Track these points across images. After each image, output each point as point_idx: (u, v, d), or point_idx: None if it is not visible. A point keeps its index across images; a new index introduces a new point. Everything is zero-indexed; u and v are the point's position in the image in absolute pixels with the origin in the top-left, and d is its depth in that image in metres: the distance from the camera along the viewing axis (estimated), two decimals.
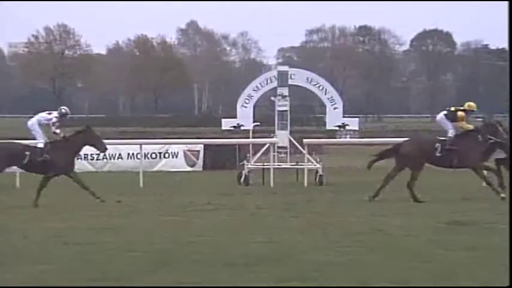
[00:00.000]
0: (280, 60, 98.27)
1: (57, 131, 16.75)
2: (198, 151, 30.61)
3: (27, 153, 16.34)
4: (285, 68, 25.16)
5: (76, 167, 29.58)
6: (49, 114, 16.99)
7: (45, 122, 16.84)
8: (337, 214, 13.21)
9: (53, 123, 16.76)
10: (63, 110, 17.13)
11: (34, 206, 15.51)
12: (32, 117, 17.29)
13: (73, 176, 16.63)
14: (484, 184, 16.62)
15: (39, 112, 17.58)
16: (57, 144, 16.63)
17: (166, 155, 30.30)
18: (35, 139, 16.85)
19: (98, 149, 17.35)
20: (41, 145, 16.48)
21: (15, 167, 17.61)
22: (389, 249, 9.47)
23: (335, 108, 23.71)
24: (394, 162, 16.72)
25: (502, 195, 15.71)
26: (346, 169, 25.55)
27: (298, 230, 11.30)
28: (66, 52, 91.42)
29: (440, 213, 13.07)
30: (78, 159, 29.59)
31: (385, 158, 17.03)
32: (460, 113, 17.02)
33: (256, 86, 23.89)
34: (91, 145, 17.14)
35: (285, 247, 9.71)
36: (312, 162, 22.05)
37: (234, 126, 23.88)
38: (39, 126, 16.81)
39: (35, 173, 16.72)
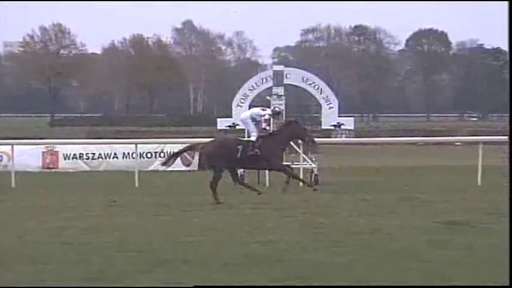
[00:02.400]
0: (275, 60, 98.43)
1: (268, 127, 16.69)
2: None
3: (239, 147, 16.31)
4: (280, 67, 25.16)
5: (72, 166, 29.92)
6: (263, 110, 16.91)
7: (258, 117, 16.75)
8: (334, 214, 13.19)
9: (265, 120, 16.71)
10: (276, 109, 17.15)
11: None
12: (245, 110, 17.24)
13: (282, 171, 16.50)
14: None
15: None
16: (267, 138, 16.53)
17: (162, 155, 30.29)
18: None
19: (306, 143, 17.14)
20: (253, 139, 16.45)
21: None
22: (388, 249, 9.46)
23: (330, 108, 23.72)
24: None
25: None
26: (341, 169, 25.57)
27: (296, 230, 11.28)
28: (62, 52, 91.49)
29: (439, 213, 13.07)
30: (74, 158, 29.94)
31: None
32: None
33: (252, 86, 23.90)
34: (298, 138, 16.93)
35: (283, 247, 9.68)
36: (307, 162, 22.06)
37: (230, 126, 23.88)
38: (252, 121, 16.72)
39: (245, 168, 16.64)
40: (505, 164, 19.67)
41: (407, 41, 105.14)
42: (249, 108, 23.69)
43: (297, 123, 17.02)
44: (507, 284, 7.64)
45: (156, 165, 29.72)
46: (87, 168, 29.61)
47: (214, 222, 12.28)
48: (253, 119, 16.80)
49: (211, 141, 17.32)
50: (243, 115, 17.18)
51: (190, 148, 17.89)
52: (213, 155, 16.35)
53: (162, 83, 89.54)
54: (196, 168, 30.29)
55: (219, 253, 9.28)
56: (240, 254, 9.15)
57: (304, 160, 21.96)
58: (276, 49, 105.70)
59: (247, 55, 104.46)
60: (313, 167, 21.98)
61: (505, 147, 20.56)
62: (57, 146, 29.94)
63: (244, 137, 17.23)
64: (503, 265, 8.16)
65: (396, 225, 11.52)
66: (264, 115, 16.75)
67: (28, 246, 10.00)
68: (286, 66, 27.72)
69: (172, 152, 18.07)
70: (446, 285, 7.74)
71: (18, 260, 9.01)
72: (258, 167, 16.36)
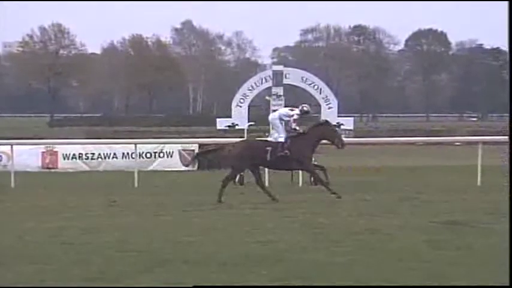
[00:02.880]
0: (275, 60, 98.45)
1: (297, 127, 16.69)
2: (193, 150, 30.62)
3: (269, 148, 16.31)
4: (279, 67, 25.20)
5: (72, 166, 29.91)
6: (291, 110, 16.86)
7: (286, 117, 16.76)
8: (334, 214, 13.19)
9: (294, 120, 16.68)
10: (305, 108, 16.99)
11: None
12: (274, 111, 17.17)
13: (310, 172, 16.44)
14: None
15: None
16: (296, 139, 16.49)
17: (161, 155, 30.30)
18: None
19: (335, 144, 16.80)
20: (281, 140, 16.45)
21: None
22: (388, 249, 9.46)
23: (330, 108, 23.74)
24: None
25: None
26: (341, 169, 25.53)
27: (296, 230, 11.28)
28: (61, 52, 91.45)
29: (439, 213, 13.07)
30: (73, 158, 29.93)
31: None
32: None
33: (251, 86, 23.91)
34: (328, 140, 16.86)
35: (283, 247, 9.68)
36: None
37: (229, 126, 23.88)
38: (280, 121, 16.73)
39: (275, 169, 16.62)
40: (505, 163, 19.68)
41: (406, 41, 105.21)
42: (248, 108, 23.76)
43: (326, 124, 16.99)
44: (507, 284, 7.64)
45: (156, 165, 29.79)
46: (87, 168, 29.59)
47: (214, 222, 12.28)
48: (281, 120, 16.79)
49: (240, 142, 17.38)
50: (271, 116, 17.14)
51: (218, 149, 17.75)
52: (241, 156, 16.38)
53: (161, 83, 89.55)
54: (195, 168, 30.30)
55: (219, 253, 9.28)
56: (240, 254, 9.15)
57: None
58: (275, 49, 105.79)
59: (247, 55, 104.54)
60: None
61: (505, 147, 20.57)
62: (56, 146, 29.92)
63: (260, 137, 17.12)
64: (503, 265, 8.16)
65: (396, 225, 11.51)
66: (292, 115, 16.73)
67: (28, 246, 10.00)
68: (285, 66, 27.75)
69: (197, 152, 18.02)
70: (446, 285, 7.74)
71: (18, 260, 9.01)
72: (288, 167, 16.32)
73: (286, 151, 16.24)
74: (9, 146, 24.82)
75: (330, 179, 17.58)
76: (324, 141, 16.85)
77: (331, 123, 17.41)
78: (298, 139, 16.47)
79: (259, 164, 16.59)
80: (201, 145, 29.94)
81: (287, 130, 16.67)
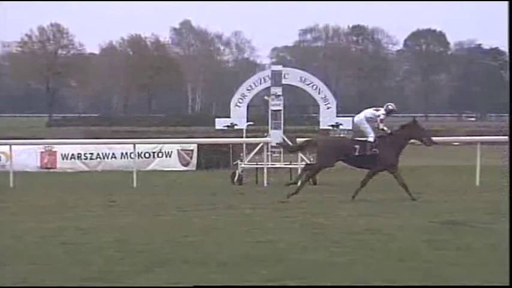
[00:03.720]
0: (273, 60, 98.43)
1: (384, 127, 16.67)
2: (192, 150, 30.65)
3: (357, 146, 16.35)
4: (278, 67, 25.16)
5: (70, 166, 29.90)
6: (376, 110, 16.85)
7: (373, 117, 16.76)
8: (334, 214, 13.20)
9: (381, 120, 16.67)
10: (390, 107, 16.95)
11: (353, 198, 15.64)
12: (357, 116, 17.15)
13: (394, 173, 16.42)
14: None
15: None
16: (385, 139, 16.49)
17: (160, 155, 30.34)
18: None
19: (424, 143, 16.76)
20: (371, 139, 16.43)
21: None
22: (388, 249, 9.45)
23: (328, 108, 23.73)
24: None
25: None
26: (339, 169, 25.51)
27: (296, 230, 11.28)
28: (60, 52, 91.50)
29: (439, 213, 13.07)
30: (72, 159, 29.93)
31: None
32: None
33: (250, 86, 23.90)
34: (417, 139, 16.79)
35: (283, 247, 9.68)
36: (306, 162, 22.03)
37: (228, 126, 23.87)
38: (367, 122, 16.72)
39: (361, 167, 16.64)
40: (505, 163, 19.68)
41: (405, 41, 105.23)
42: (247, 108, 23.74)
43: (414, 124, 16.93)
44: (507, 284, 7.64)
45: (155, 165, 29.80)
46: (86, 168, 29.62)
47: (214, 222, 12.27)
48: (368, 120, 16.80)
49: (328, 138, 17.50)
50: (356, 118, 17.13)
51: (308, 143, 17.74)
52: (329, 151, 16.49)
53: (160, 83, 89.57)
54: (194, 168, 30.34)
55: (219, 253, 9.26)
56: (240, 254, 9.14)
57: (303, 160, 21.94)
58: (274, 49, 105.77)
59: (246, 55, 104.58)
60: None
61: (503, 147, 20.59)
62: (55, 146, 29.92)
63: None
64: (503, 265, 8.16)
65: (396, 225, 11.51)
66: (379, 115, 16.74)
67: (28, 246, 9.99)
68: (284, 66, 27.71)
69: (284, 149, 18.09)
70: (446, 285, 7.73)
71: (18, 260, 9.00)
72: (373, 167, 16.33)
73: (375, 150, 16.29)
74: (8, 146, 24.82)
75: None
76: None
77: (419, 123, 17.40)
78: (387, 139, 16.50)
79: (345, 160, 16.71)
80: (199, 145, 30.04)
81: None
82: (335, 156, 16.47)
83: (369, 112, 16.92)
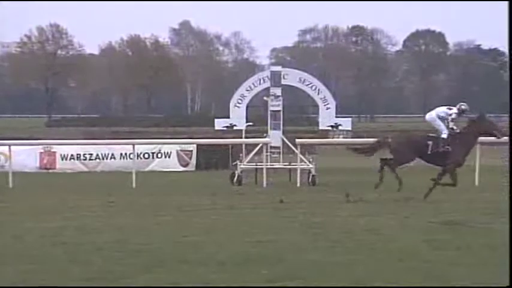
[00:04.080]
0: (273, 60, 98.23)
1: (454, 127, 16.69)
2: (191, 151, 30.64)
3: (430, 143, 16.43)
4: (277, 68, 25.17)
5: (70, 167, 29.86)
6: (449, 109, 16.89)
7: (446, 116, 16.78)
8: (332, 214, 13.20)
9: (452, 119, 16.72)
10: (463, 107, 16.99)
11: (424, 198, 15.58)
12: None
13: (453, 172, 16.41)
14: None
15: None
16: (457, 136, 16.57)
17: (159, 155, 30.32)
18: None
19: (495, 136, 16.83)
20: (444, 136, 16.50)
21: None
22: (388, 249, 9.46)
23: (328, 108, 23.73)
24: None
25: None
26: (338, 169, 25.53)
27: (296, 230, 11.29)
28: (59, 52, 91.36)
29: (438, 213, 13.07)
30: (71, 159, 29.89)
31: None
32: None
33: (249, 86, 23.90)
34: (488, 133, 16.83)
35: (283, 247, 9.69)
36: (305, 162, 22.05)
37: (227, 126, 23.87)
38: (439, 120, 16.77)
39: (434, 164, 16.67)
40: (505, 163, 19.68)
41: (404, 41, 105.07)
42: (247, 109, 23.75)
43: (481, 120, 17.00)
44: (507, 284, 7.64)
45: (154, 165, 29.78)
46: (85, 169, 29.59)
47: (214, 222, 12.28)
48: (440, 118, 16.83)
49: (401, 135, 17.52)
50: (428, 116, 17.21)
51: (379, 143, 17.72)
52: (404, 148, 16.63)
53: (159, 84, 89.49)
54: (193, 168, 30.33)
55: (219, 253, 9.27)
56: (240, 254, 9.14)
57: (302, 161, 21.94)
58: (273, 50, 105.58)
59: (245, 56, 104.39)
60: (310, 168, 21.98)
61: (503, 147, 20.58)
62: (54, 146, 29.90)
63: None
64: (503, 265, 8.17)
65: (396, 225, 11.52)
66: (451, 114, 16.78)
67: (28, 246, 10.00)
68: (283, 66, 27.74)
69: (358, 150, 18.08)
70: (446, 286, 7.73)
71: (18, 260, 9.01)
72: (444, 164, 16.36)
73: (448, 147, 16.35)
74: (7, 147, 24.80)
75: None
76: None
77: (486, 116, 17.45)
78: (459, 137, 16.56)
79: (419, 156, 16.80)
80: (199, 146, 30.03)
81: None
82: (411, 153, 16.67)
83: (441, 111, 16.99)
